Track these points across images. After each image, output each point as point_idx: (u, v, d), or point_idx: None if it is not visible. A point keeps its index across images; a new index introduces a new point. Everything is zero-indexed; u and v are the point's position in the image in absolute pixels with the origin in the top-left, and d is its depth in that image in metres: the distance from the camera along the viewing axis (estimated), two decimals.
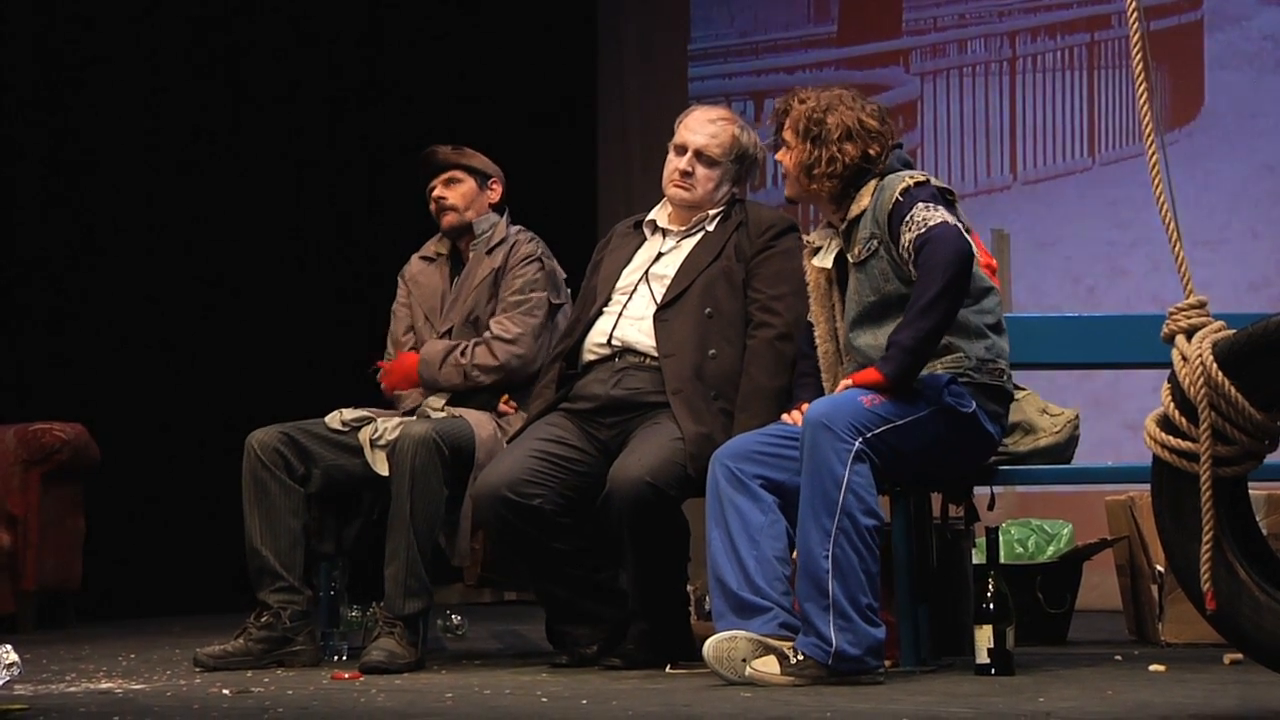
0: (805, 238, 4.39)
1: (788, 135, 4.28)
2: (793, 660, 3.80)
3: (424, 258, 5.14)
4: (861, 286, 4.17)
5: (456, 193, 5.03)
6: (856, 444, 3.87)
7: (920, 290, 4.01)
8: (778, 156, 4.33)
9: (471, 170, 5.05)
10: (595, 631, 4.51)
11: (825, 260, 4.28)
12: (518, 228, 5.07)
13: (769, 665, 3.81)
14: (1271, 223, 7.64)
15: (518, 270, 4.93)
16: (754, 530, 4.00)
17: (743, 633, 3.89)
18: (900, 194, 4.12)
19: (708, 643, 3.89)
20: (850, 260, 4.20)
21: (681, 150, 4.66)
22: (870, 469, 3.89)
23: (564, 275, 5.03)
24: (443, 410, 4.80)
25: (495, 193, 5.09)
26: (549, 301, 4.93)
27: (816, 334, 4.32)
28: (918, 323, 3.99)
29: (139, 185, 7.64)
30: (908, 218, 4.08)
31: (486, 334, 4.87)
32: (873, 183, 4.20)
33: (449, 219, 5.03)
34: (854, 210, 4.21)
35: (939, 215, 4.06)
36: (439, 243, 5.13)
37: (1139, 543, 5.32)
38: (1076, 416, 4.68)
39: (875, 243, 4.14)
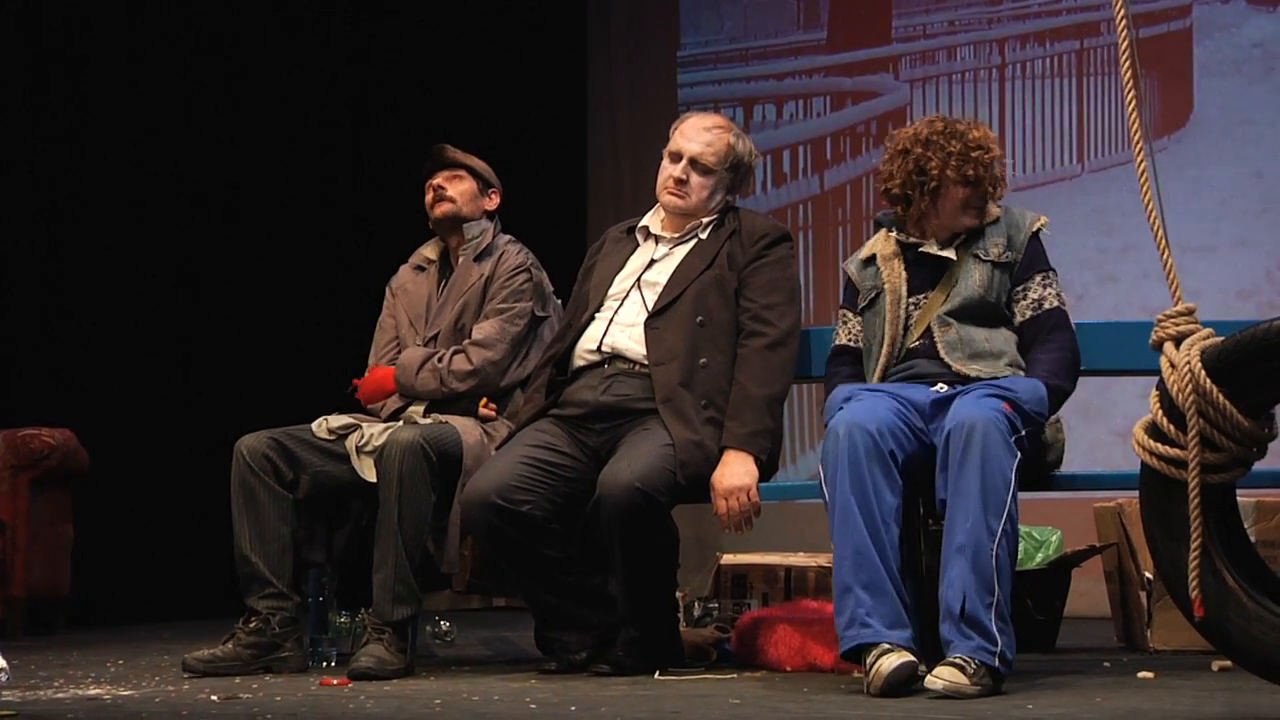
0: (892, 235, 4.35)
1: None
2: (971, 667, 3.70)
3: (415, 267, 5.14)
4: (988, 282, 4.23)
5: (457, 188, 5.04)
6: (1017, 453, 3.88)
7: (1063, 371, 4.18)
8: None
9: (475, 173, 5.08)
10: (584, 638, 4.50)
11: (947, 251, 4.28)
12: (507, 238, 5.07)
13: (955, 675, 3.68)
14: (1260, 230, 7.65)
15: (506, 279, 4.94)
16: (886, 513, 3.89)
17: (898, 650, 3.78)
18: (1036, 233, 4.29)
19: (884, 676, 3.70)
20: (982, 257, 4.25)
21: (676, 157, 4.65)
22: None
23: (551, 288, 5.04)
24: (426, 417, 4.80)
25: (492, 201, 5.10)
26: (533, 313, 4.93)
27: (888, 314, 4.25)
28: (1058, 395, 4.15)
29: (128, 191, 7.63)
30: (1042, 277, 4.26)
31: (465, 340, 4.88)
32: (990, 204, 4.30)
33: (444, 208, 5.03)
34: (987, 219, 4.30)
35: (1060, 297, 4.28)
36: (429, 248, 5.14)
37: (1127, 550, 5.33)
38: (1058, 422, 4.67)
39: (1011, 254, 4.26)
